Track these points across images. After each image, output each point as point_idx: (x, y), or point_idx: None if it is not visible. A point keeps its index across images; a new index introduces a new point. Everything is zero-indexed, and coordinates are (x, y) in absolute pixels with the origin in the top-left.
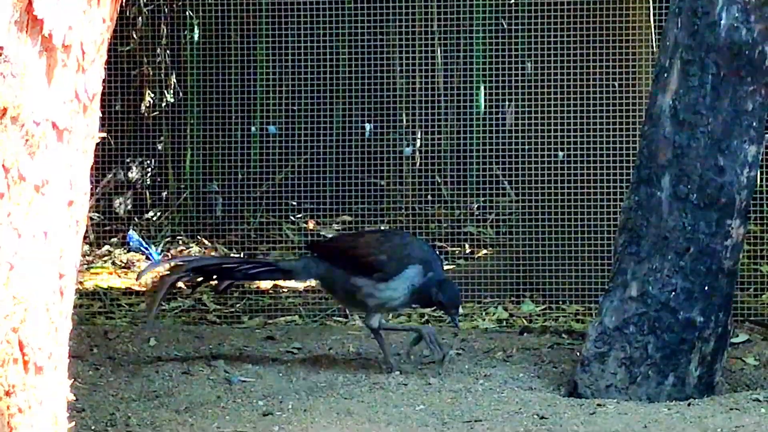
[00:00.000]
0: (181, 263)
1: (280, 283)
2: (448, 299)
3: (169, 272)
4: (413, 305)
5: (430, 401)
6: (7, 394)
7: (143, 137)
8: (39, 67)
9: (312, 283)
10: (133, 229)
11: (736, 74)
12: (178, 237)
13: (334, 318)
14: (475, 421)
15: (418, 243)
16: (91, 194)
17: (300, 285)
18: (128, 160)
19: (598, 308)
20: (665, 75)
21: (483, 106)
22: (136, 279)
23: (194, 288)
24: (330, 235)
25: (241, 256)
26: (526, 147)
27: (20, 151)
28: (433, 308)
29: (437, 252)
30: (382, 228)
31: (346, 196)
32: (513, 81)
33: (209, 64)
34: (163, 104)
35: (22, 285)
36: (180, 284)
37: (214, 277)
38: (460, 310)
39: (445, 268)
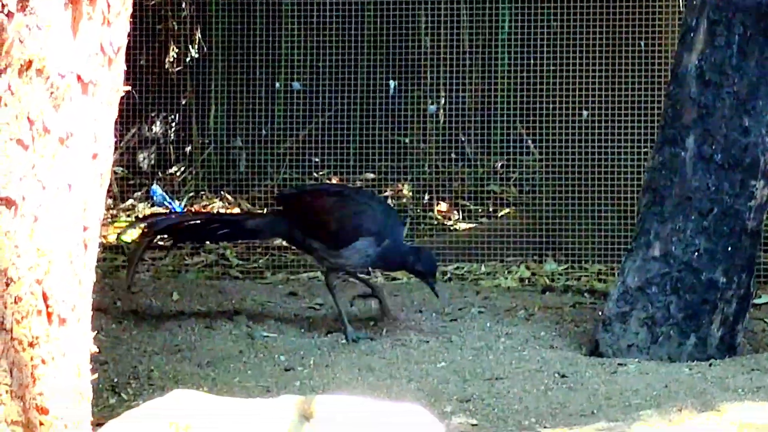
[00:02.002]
0: (152, 222)
1: None
2: (426, 267)
3: (144, 233)
4: (377, 269)
5: (452, 359)
6: (31, 345)
7: (167, 92)
8: (64, 19)
9: (278, 241)
10: (157, 184)
11: (763, 34)
12: (202, 192)
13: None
14: (496, 378)
15: (372, 211)
16: (115, 148)
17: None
18: (152, 115)
19: (621, 268)
20: (691, 35)
21: (507, 65)
22: (117, 237)
23: (169, 248)
24: (287, 191)
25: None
26: (551, 106)
27: (45, 103)
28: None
29: (396, 215)
30: (346, 186)
31: (369, 153)
32: (538, 39)
33: (234, 20)
34: (188, 59)
35: (46, 237)
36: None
37: (188, 236)
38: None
39: (468, 226)
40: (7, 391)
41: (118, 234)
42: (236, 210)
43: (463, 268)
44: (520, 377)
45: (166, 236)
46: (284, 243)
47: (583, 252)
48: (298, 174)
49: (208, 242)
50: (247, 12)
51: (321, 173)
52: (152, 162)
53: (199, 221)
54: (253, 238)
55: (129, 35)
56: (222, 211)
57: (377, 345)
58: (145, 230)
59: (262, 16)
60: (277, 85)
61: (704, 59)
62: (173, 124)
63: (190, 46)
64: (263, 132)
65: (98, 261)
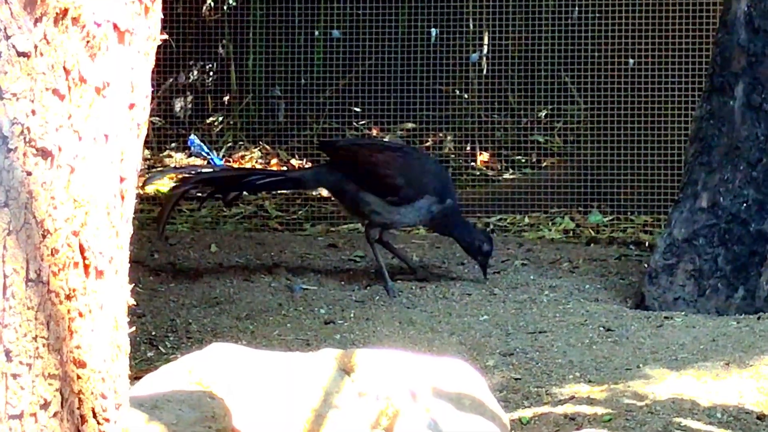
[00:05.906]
0: (190, 175)
1: None
2: (489, 252)
3: (178, 183)
4: (427, 227)
5: (495, 311)
6: (68, 297)
7: (205, 40)
8: None
9: (323, 192)
10: (194, 134)
11: None
12: (240, 142)
13: None
14: (540, 332)
15: (435, 169)
16: (153, 97)
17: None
18: (190, 64)
19: (668, 219)
20: None
21: (552, 12)
22: (143, 185)
23: (203, 199)
24: (341, 141)
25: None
26: (596, 54)
27: (81, 52)
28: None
29: (449, 175)
30: (400, 143)
31: (410, 102)
32: None
33: None
34: (225, 7)
35: (82, 188)
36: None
37: (224, 188)
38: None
39: (511, 177)
40: (44, 345)
41: (144, 182)
42: (275, 160)
43: (506, 219)
44: (564, 331)
45: (202, 188)
46: (324, 194)
47: (628, 203)
48: (337, 123)
49: (247, 192)
50: None
51: (361, 123)
52: (190, 112)
53: (242, 174)
54: (297, 188)
55: None
56: (261, 160)
57: (419, 298)
58: (179, 182)
59: None
60: (316, 33)
61: (753, 5)
62: (211, 73)
63: None
64: (302, 81)
65: (135, 212)
